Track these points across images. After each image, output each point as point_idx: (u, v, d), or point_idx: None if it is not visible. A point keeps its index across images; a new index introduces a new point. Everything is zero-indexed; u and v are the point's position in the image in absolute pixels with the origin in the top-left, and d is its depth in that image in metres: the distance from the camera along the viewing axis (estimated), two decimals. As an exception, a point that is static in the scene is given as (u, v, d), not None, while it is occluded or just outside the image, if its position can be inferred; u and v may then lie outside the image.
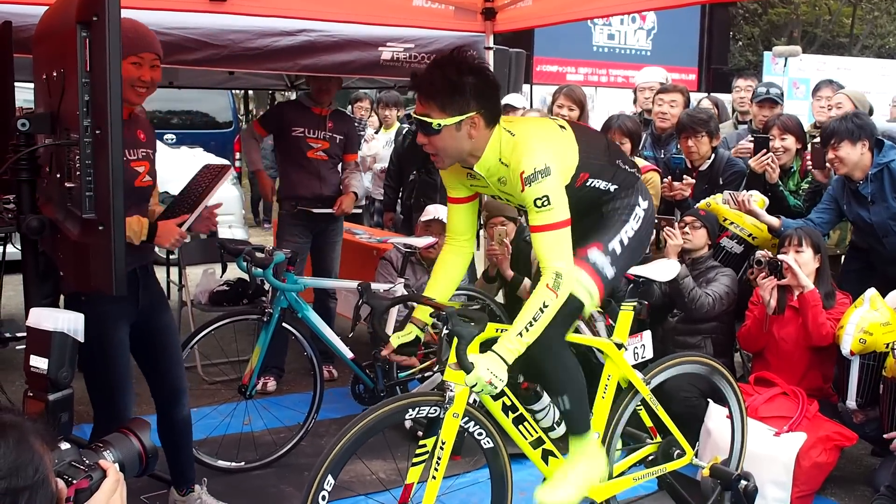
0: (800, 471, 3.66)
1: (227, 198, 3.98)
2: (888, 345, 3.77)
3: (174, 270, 6.10)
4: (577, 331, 3.23)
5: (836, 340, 3.89)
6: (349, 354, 4.35)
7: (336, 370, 5.41)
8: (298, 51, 4.78)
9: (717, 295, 4.27)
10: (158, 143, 3.50)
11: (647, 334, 3.71)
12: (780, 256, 4.10)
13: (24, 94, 3.49)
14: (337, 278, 5.32)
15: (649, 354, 3.68)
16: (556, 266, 2.65)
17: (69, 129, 2.32)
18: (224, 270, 4.31)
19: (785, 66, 12.68)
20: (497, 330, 2.75)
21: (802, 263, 4.06)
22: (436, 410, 2.68)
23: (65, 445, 1.44)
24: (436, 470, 2.65)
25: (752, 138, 5.00)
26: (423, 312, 2.94)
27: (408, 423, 4.04)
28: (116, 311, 3.04)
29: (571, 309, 2.83)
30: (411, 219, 6.16)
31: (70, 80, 2.26)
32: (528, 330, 2.62)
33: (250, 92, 17.04)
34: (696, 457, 3.43)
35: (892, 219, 4.23)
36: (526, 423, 2.90)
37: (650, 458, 3.29)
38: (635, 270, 3.27)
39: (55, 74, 2.47)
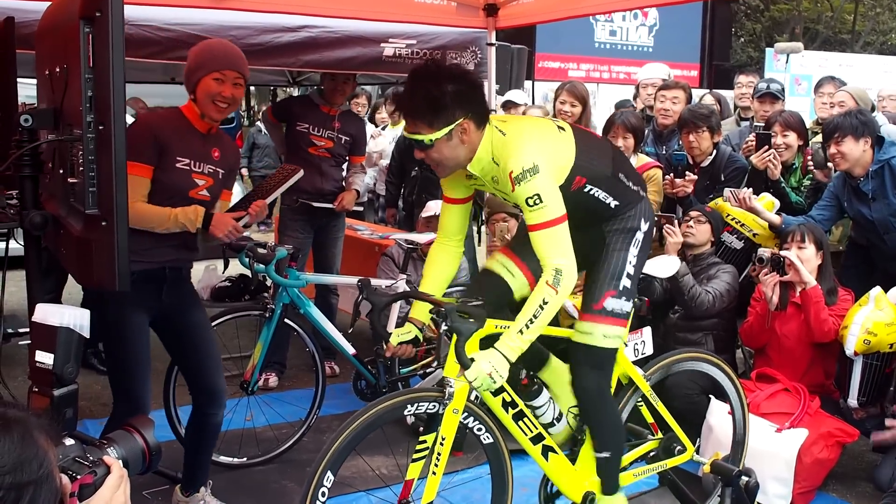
0: (801, 467, 3.67)
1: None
2: (892, 345, 3.78)
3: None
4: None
5: (840, 340, 3.89)
6: (351, 350, 4.36)
7: (338, 366, 5.41)
8: (300, 47, 4.78)
9: (718, 292, 4.27)
10: None
11: (648, 330, 3.72)
12: (782, 252, 4.10)
13: (27, 90, 3.49)
14: (339, 274, 5.33)
15: (649, 351, 3.69)
16: (556, 263, 2.63)
17: (72, 125, 2.32)
18: (226, 266, 4.31)
19: (787, 62, 12.65)
20: (497, 326, 2.75)
21: (805, 260, 4.06)
22: (435, 406, 2.69)
23: (69, 441, 1.45)
24: (436, 466, 2.65)
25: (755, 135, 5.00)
26: (420, 312, 2.95)
27: (409, 419, 4.05)
28: (136, 299, 3.04)
29: (608, 357, 2.94)
30: (413, 215, 6.15)
31: (73, 75, 2.26)
32: (528, 327, 2.62)
33: (252, 88, 17.04)
34: (698, 453, 3.43)
35: (893, 215, 4.23)
36: (526, 419, 2.90)
37: (651, 454, 3.29)
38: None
39: (58, 70, 2.47)
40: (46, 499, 1.25)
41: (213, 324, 4.01)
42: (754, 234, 4.57)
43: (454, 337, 2.62)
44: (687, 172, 4.78)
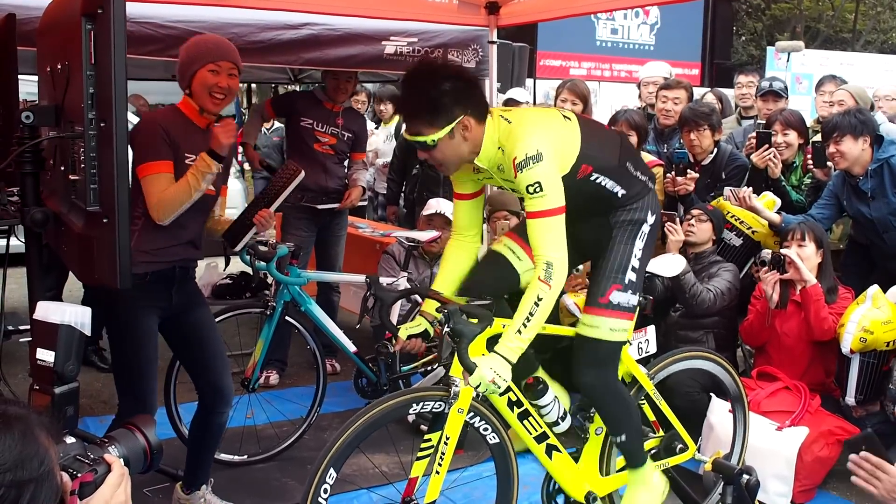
0: (802, 465, 3.67)
1: (231, 191, 3.97)
2: (889, 343, 3.78)
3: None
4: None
5: (837, 338, 3.89)
6: (352, 348, 4.36)
7: (339, 364, 5.40)
8: (302, 44, 4.77)
9: (719, 291, 4.27)
10: None
11: (651, 329, 3.71)
12: (782, 251, 4.10)
13: (28, 87, 3.49)
14: (340, 272, 5.33)
15: (653, 349, 3.68)
16: (548, 256, 2.62)
17: (73, 122, 2.32)
18: (227, 264, 4.31)
19: (788, 61, 12.62)
20: (504, 326, 2.74)
21: (805, 258, 4.05)
22: (440, 405, 2.68)
23: (70, 439, 1.44)
24: (440, 465, 2.65)
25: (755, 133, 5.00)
26: (431, 306, 2.93)
27: (410, 417, 4.05)
28: (148, 300, 3.06)
29: (614, 351, 2.95)
30: (414, 213, 6.15)
31: (75, 72, 2.26)
32: (525, 326, 2.61)
33: (253, 85, 17.02)
34: (699, 451, 3.43)
35: (893, 214, 4.23)
36: (531, 418, 2.89)
37: (653, 452, 3.29)
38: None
39: (60, 67, 2.47)
40: (47, 497, 1.25)
41: (215, 321, 4.02)
42: (753, 231, 4.57)
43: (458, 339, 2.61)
44: (688, 170, 4.78)
